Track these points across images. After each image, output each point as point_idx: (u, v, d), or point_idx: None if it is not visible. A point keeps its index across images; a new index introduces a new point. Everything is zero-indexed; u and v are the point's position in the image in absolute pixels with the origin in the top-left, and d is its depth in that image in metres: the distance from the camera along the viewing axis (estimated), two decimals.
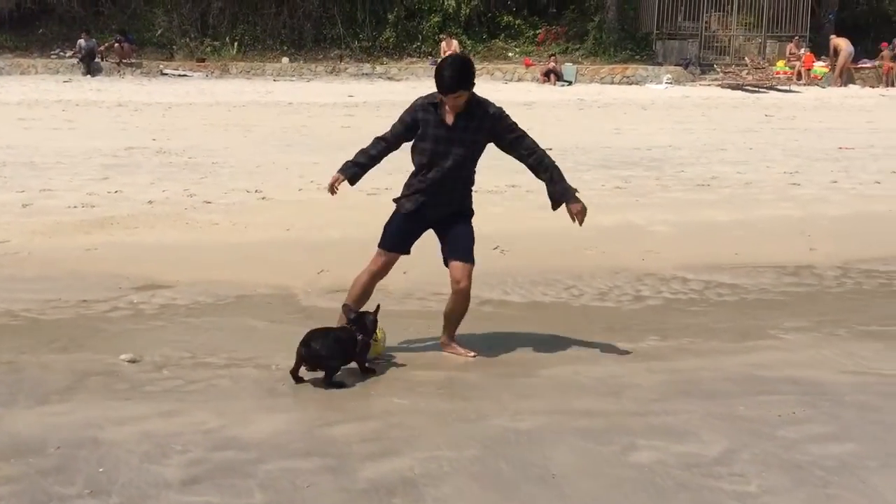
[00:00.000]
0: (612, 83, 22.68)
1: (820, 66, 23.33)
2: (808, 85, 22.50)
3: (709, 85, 22.22)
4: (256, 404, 3.90)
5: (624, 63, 23.51)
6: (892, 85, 22.89)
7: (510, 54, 24.65)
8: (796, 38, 23.99)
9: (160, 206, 8.06)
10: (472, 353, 4.57)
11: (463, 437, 3.55)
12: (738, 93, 21.10)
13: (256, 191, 8.77)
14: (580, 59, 24.01)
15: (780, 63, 23.38)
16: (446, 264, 4.53)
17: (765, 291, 6.04)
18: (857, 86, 22.90)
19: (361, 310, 4.48)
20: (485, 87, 23.51)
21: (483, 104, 4.37)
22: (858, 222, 8.10)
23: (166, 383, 4.13)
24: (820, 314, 5.45)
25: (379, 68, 24.16)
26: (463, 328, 5.03)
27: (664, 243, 7.24)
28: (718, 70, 23.02)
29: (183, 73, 22.82)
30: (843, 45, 23.11)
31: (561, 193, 4.43)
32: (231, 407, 3.85)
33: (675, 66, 23.23)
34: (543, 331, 5.05)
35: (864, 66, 23.69)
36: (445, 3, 24.68)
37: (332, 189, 4.49)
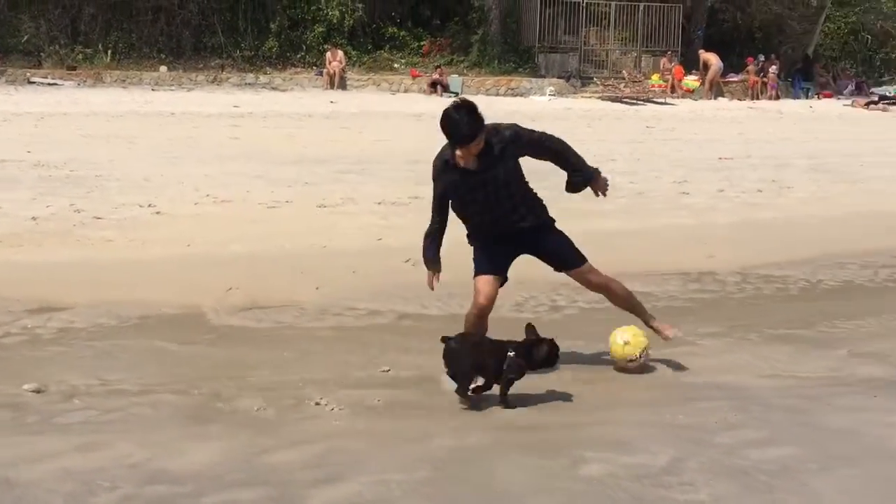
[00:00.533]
0: (498, 95, 23.01)
1: (692, 80, 24.45)
2: (682, 97, 23.50)
3: (590, 97, 22.88)
4: (183, 433, 3.67)
5: (508, 75, 23.92)
6: (758, 98, 24.22)
7: (396, 65, 24.65)
8: (669, 52, 25.04)
9: (46, 223, 7.56)
10: (675, 330, 4.59)
11: (410, 458, 3.44)
12: (618, 105, 21.81)
13: (150, 205, 8.36)
14: (465, 71, 24.26)
15: (655, 76, 24.36)
16: (567, 274, 4.59)
17: (673, 298, 6.20)
18: (725, 99, 24.11)
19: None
20: (372, 99, 23.66)
21: (496, 133, 4.24)
22: (749, 229, 8.46)
23: (79, 414, 3.84)
24: (729, 319, 5.63)
25: (263, 78, 23.67)
26: (382, 343, 4.94)
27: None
28: (598, 83, 23.77)
29: (53, 81, 21.65)
30: (712, 59, 24.30)
31: (582, 182, 4.48)
32: (155, 437, 3.61)
33: (558, 78, 23.82)
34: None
35: (731, 79, 24.99)
36: (329, 14, 24.45)
37: (434, 286, 4.54)
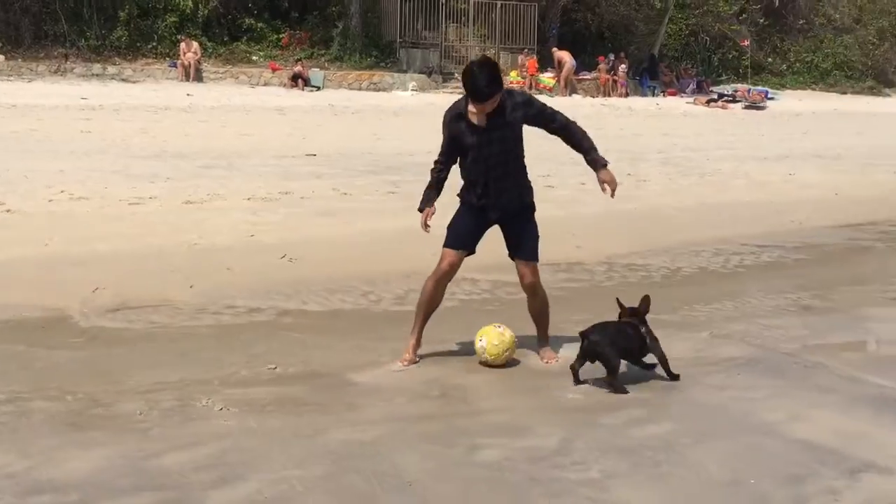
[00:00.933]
0: (360, 89, 22.96)
1: (547, 77, 25.23)
2: (539, 94, 24.18)
3: (451, 93, 23.11)
4: (63, 440, 3.50)
5: (370, 70, 23.89)
6: (609, 95, 25.28)
7: (254, 58, 24.12)
8: (526, 50, 25.72)
9: None
10: (555, 358, 4.56)
11: (306, 453, 3.42)
12: None
13: None
14: (327, 65, 24.04)
15: (514, 73, 24.96)
16: (512, 259, 4.62)
17: (546, 287, 6.39)
18: (580, 95, 25.01)
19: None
20: (231, 92, 22.96)
21: (510, 96, 4.32)
22: (612, 220, 8.83)
23: None
24: (601, 307, 5.84)
25: (111, 69, 22.61)
26: (265, 341, 4.88)
27: None
28: (459, 79, 24.08)
29: None
30: (565, 57, 25.16)
31: (591, 163, 4.60)
32: (33, 446, 3.42)
33: (420, 73, 23.98)
34: (353, 338, 5.01)
35: (585, 77, 25.95)
36: (182, 3, 23.60)
37: (427, 226, 4.54)
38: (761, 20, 31.55)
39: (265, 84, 22.81)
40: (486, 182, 4.42)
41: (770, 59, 31.51)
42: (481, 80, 4.11)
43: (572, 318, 5.52)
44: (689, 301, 6.06)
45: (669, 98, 25.83)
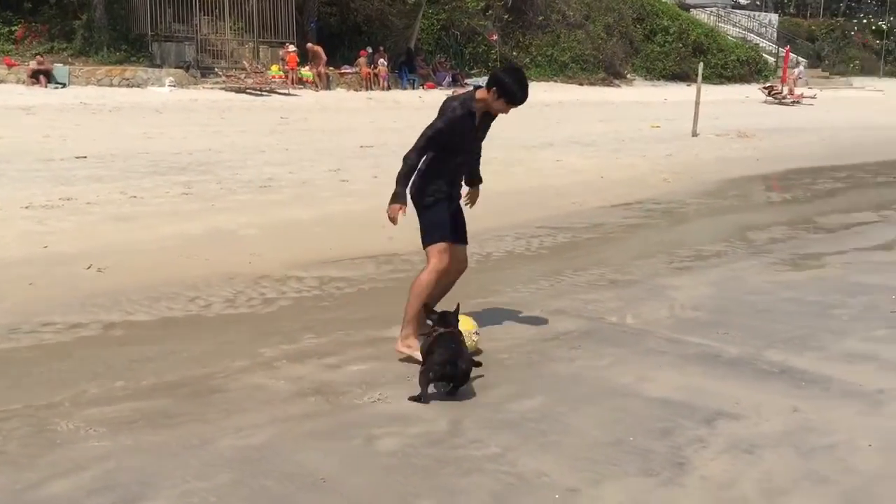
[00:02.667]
0: (112, 85, 21.55)
1: (306, 71, 25.11)
2: (300, 88, 24.02)
3: (212, 88, 22.41)
4: None
5: (121, 64, 22.47)
6: (372, 89, 25.65)
7: None
8: (286, 44, 25.42)
9: None
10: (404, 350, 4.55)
11: (203, 464, 3.31)
12: (243, 96, 21.68)
13: None
14: (70, 60, 22.29)
15: (275, 67, 24.59)
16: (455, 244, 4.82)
17: (374, 280, 6.52)
18: (343, 89, 25.16)
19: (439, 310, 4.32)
20: None
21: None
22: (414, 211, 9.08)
23: None
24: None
25: None
26: (106, 356, 4.60)
27: (262, 245, 7.31)
28: (220, 73, 23.34)
29: None
30: (319, 51, 25.20)
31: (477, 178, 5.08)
32: None
33: (176, 68, 22.93)
34: (197, 346, 4.84)
35: (347, 71, 26.13)
36: None
37: (396, 220, 4.68)
38: (505, 16, 33.42)
39: (1, 81, 20.73)
40: (461, 174, 4.82)
41: (515, 53, 33.46)
42: (525, 88, 4.50)
43: None
44: (509, 283, 6.44)
45: (430, 90, 26.66)
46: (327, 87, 24.98)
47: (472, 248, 7.58)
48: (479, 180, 5.10)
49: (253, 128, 15.49)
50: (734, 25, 46.46)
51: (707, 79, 22.07)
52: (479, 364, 4.30)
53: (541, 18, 34.96)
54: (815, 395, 4.10)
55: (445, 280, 4.85)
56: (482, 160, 5.10)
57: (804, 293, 6.13)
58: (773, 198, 11.83)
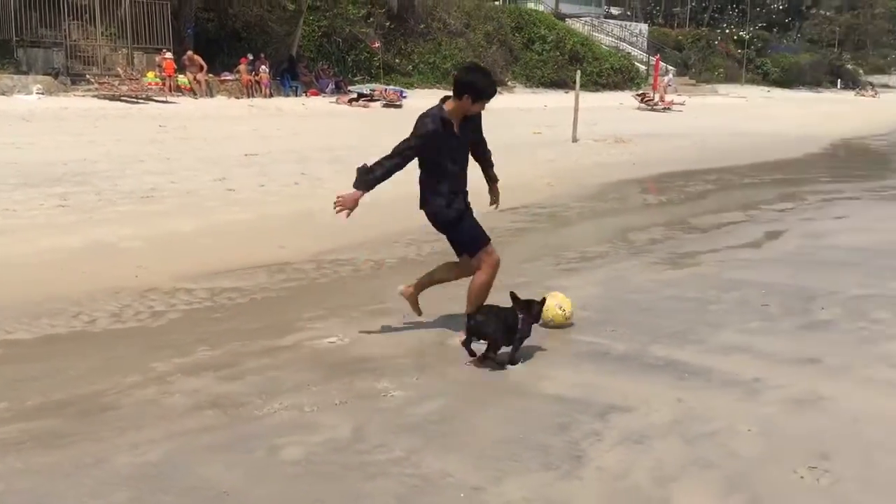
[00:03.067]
0: None
1: (184, 78, 24.43)
2: (179, 95, 23.37)
3: (83, 96, 21.49)
4: None
5: None
6: (253, 96, 25.19)
7: None
8: (163, 50, 24.67)
9: None
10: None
11: (99, 483, 3.21)
12: (118, 103, 20.91)
13: None
14: None
15: (151, 74, 23.82)
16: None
17: (267, 290, 6.44)
18: (224, 97, 24.62)
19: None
20: None
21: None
22: (303, 219, 9.04)
23: None
24: (327, 302, 6.07)
25: None
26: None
27: (147, 258, 7.11)
28: (92, 80, 22.40)
29: None
30: (197, 58, 24.60)
31: (493, 178, 5.26)
32: None
33: (44, 75, 21.88)
34: (84, 362, 4.68)
35: (227, 78, 25.57)
36: None
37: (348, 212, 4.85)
38: (387, 24, 33.50)
39: None
40: (461, 181, 4.94)
41: (398, 61, 33.59)
42: (491, 82, 4.73)
43: (304, 315, 5.68)
44: None
45: (313, 98, 26.42)
46: (207, 94, 24.41)
47: (364, 255, 7.68)
48: (496, 178, 5.31)
49: (130, 136, 14.98)
50: (607, 35, 48.12)
51: (584, 86, 22.83)
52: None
53: (422, 26, 35.21)
54: (698, 386, 4.34)
55: (450, 278, 5.27)
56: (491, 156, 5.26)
57: (683, 290, 6.45)
58: (650, 200, 12.34)
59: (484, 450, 3.55)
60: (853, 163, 19.44)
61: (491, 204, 5.34)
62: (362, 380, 4.37)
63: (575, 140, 17.93)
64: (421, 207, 5.08)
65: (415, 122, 4.80)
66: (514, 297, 4.78)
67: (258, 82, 25.71)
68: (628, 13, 55.97)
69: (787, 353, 4.87)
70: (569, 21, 46.02)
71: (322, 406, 4.01)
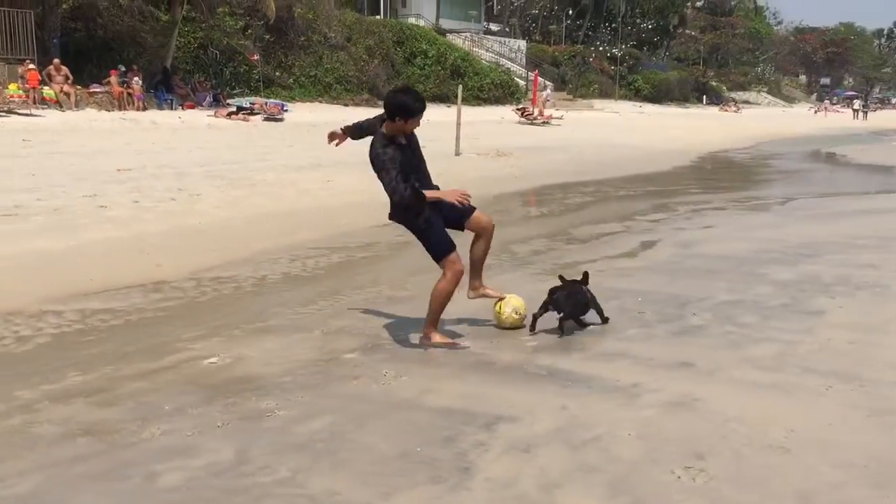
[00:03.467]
0: None
1: (49, 90, 23.35)
2: (45, 108, 22.29)
3: None
4: None
5: None
6: (125, 109, 24.31)
7: None
8: (26, 60, 23.50)
9: None
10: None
11: None
12: None
13: None
14: None
15: (14, 86, 22.62)
16: (467, 224, 5.49)
17: (143, 310, 6.20)
18: (94, 109, 23.63)
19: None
20: None
21: None
22: (181, 236, 8.77)
23: None
24: (208, 321, 5.89)
25: None
26: None
27: (10, 279, 6.77)
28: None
29: None
30: (63, 69, 23.56)
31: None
32: None
33: None
34: None
35: (96, 90, 24.57)
36: None
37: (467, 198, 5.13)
38: (266, 36, 33.03)
39: None
40: (426, 187, 5.14)
41: (278, 73, 33.14)
42: (420, 98, 5.08)
43: (184, 336, 5.50)
44: (288, 305, 6.38)
45: (189, 111, 25.69)
46: (75, 106, 23.37)
47: (246, 272, 7.51)
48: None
49: None
50: (487, 50, 49.02)
51: (465, 101, 23.11)
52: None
53: (303, 39, 34.89)
54: (580, 393, 4.44)
55: (484, 244, 5.62)
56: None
57: None
58: (532, 212, 12.62)
59: (371, 466, 3.52)
60: (719, 175, 20.45)
61: None
62: (245, 400, 4.27)
63: (458, 154, 18.14)
64: (391, 218, 5.37)
65: (371, 159, 5.07)
66: (562, 278, 5.74)
67: (130, 94, 24.80)
68: (507, 29, 57.23)
69: (662, 358, 5.06)
70: (449, 36, 46.63)
71: (203, 429, 3.88)
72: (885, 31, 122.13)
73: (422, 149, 5.39)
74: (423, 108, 5.07)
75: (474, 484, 3.37)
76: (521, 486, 3.36)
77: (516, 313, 5.67)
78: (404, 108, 4.99)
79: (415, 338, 5.46)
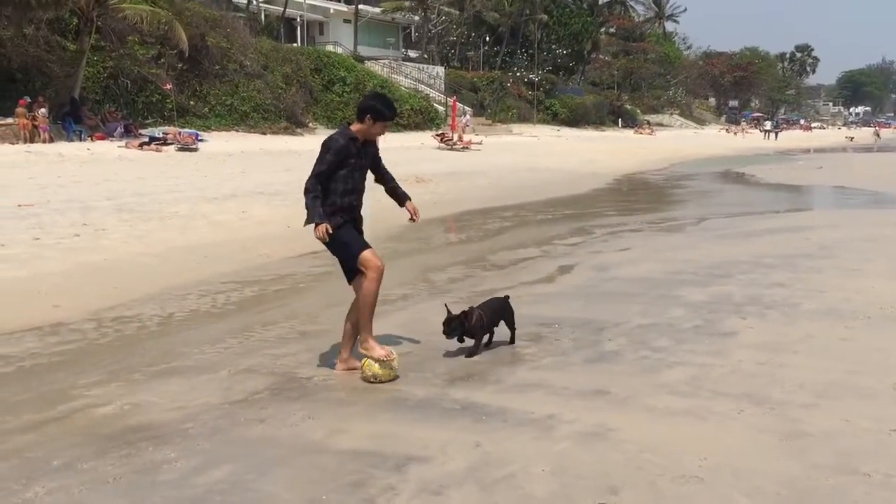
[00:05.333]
0: None
1: None
2: None
3: None
4: None
5: None
6: (32, 141, 23.46)
7: None
8: None
9: None
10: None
11: None
12: None
13: None
14: None
15: None
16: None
17: (37, 355, 5.86)
18: None
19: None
20: None
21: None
22: (84, 274, 8.38)
23: None
24: (107, 365, 5.59)
25: None
26: None
27: None
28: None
29: None
30: None
31: (403, 195, 5.68)
32: None
33: None
34: None
35: (1, 123, 23.65)
36: None
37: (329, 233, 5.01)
38: (179, 65, 32.38)
39: None
40: (356, 197, 5.27)
41: (192, 102, 32.47)
42: (390, 104, 5.30)
43: (80, 382, 5.22)
44: (194, 344, 6.13)
45: (99, 142, 24.90)
46: None
47: (151, 310, 7.20)
48: (407, 196, 5.71)
49: None
50: (406, 77, 49.18)
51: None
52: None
53: (217, 67, 34.35)
54: (495, 428, 4.33)
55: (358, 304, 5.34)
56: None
57: None
58: (451, 238, 12.56)
59: None
60: (635, 197, 20.83)
61: (410, 219, 5.69)
62: (141, 451, 4.02)
63: (376, 181, 18.00)
64: (306, 224, 5.19)
65: (321, 147, 5.19)
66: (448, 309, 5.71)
67: (36, 126, 23.94)
68: (425, 56, 57.55)
69: (578, 387, 5.00)
70: (368, 63, 46.63)
71: (92, 486, 3.63)
72: (787, 55, 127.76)
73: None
74: (392, 115, 5.26)
75: None
76: None
77: (390, 369, 5.16)
78: (374, 109, 5.18)
79: (327, 374, 5.28)
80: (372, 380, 5.09)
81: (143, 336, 6.48)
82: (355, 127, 5.27)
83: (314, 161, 5.20)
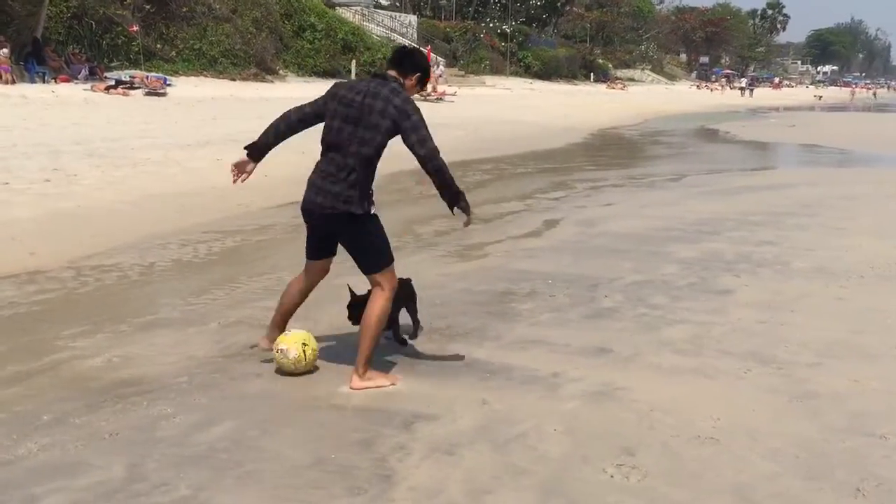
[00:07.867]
0: None
1: None
2: None
3: None
4: None
5: None
6: None
7: None
8: None
9: None
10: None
11: None
12: None
13: None
14: None
15: None
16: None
17: (16, 304, 5.64)
18: None
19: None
20: None
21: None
22: (57, 221, 8.09)
23: None
24: (91, 315, 5.38)
25: None
26: None
27: None
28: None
29: None
30: None
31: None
32: None
33: None
34: None
35: None
36: None
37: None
38: (146, 6, 31.40)
39: None
40: None
41: (159, 46, 31.55)
42: None
43: (64, 333, 5.02)
44: (179, 296, 5.95)
45: (63, 85, 24.10)
46: None
47: (132, 259, 6.97)
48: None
49: None
50: (378, 25, 48.22)
51: (358, 76, 22.60)
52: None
53: (185, 10, 33.36)
54: (500, 385, 4.23)
55: (308, 288, 4.56)
56: None
57: (474, 283, 6.39)
58: (431, 191, 12.34)
59: (282, 477, 3.20)
60: (612, 152, 20.73)
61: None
62: (136, 406, 3.85)
63: None
64: (340, 208, 4.35)
65: (412, 110, 4.26)
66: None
67: None
68: (397, 4, 56.51)
69: (579, 344, 4.91)
70: (339, 10, 45.59)
71: (88, 442, 3.46)
72: (759, 12, 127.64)
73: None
74: (428, 73, 4.40)
75: (397, 494, 3.10)
76: (448, 493, 3.11)
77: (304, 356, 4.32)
78: (428, 73, 4.32)
79: (319, 328, 5.13)
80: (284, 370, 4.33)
81: (125, 286, 6.27)
82: (409, 83, 4.29)
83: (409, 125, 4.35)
